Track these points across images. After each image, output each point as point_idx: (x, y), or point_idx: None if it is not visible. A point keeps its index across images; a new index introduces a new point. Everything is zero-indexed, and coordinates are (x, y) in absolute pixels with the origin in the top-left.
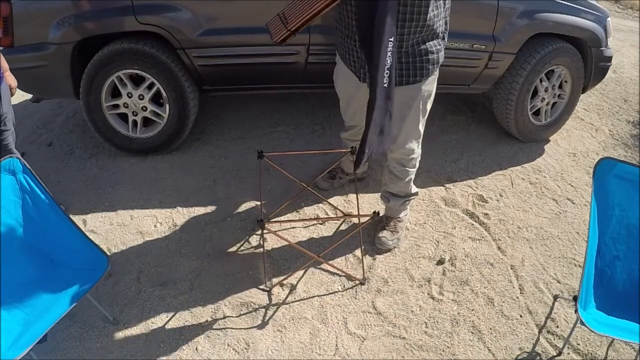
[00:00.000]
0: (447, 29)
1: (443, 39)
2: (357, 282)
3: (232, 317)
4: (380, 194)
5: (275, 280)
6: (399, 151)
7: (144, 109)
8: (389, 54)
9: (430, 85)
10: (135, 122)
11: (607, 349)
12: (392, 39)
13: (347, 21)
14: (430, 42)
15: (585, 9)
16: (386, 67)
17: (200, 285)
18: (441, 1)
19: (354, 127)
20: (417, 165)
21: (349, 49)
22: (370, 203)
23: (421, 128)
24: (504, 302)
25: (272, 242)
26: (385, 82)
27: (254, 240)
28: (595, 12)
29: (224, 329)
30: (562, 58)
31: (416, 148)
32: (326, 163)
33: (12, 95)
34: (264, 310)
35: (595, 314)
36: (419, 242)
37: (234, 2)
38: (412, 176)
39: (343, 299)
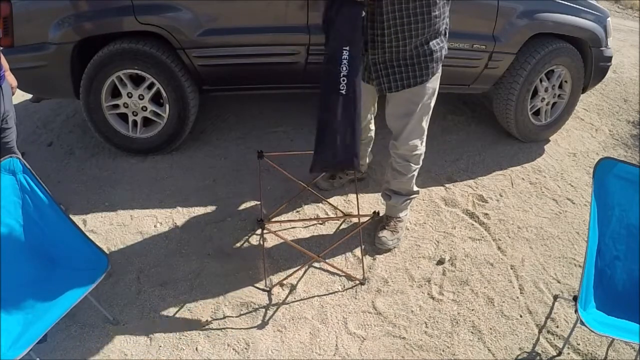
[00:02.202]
0: (448, 25)
1: (445, 35)
2: (357, 282)
3: (232, 317)
4: (380, 193)
5: (275, 280)
6: (402, 147)
7: (144, 109)
8: (344, 61)
9: (434, 83)
10: (135, 122)
11: (607, 349)
12: (347, 48)
13: None
14: (433, 41)
15: (585, 9)
16: (341, 74)
17: (200, 285)
18: (443, 2)
19: None
20: (421, 163)
21: None
22: (370, 203)
23: (424, 125)
24: (504, 302)
25: (272, 242)
26: (342, 89)
27: (254, 240)
28: (595, 12)
29: (224, 329)
30: (562, 58)
31: (419, 144)
32: None
33: (12, 94)
34: (264, 310)
35: (595, 314)
36: (419, 242)
37: (234, 2)
38: (415, 173)
39: (343, 299)
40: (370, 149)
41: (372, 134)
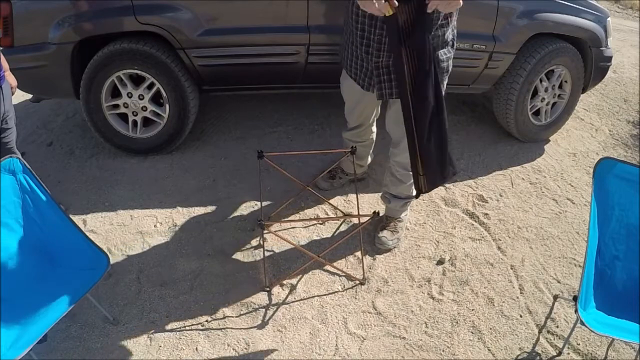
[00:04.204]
0: (455, 36)
1: (452, 46)
2: (357, 282)
3: (232, 317)
4: (380, 194)
5: (275, 280)
6: (403, 155)
7: (144, 109)
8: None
9: None
10: (135, 122)
11: (607, 349)
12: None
13: (353, 29)
14: (441, 51)
15: (585, 9)
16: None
17: (200, 285)
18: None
19: (358, 127)
20: None
21: (352, 56)
22: (370, 203)
23: None
24: (504, 302)
25: (272, 242)
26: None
27: (254, 240)
28: (595, 12)
29: (224, 329)
30: (562, 58)
31: None
32: (326, 163)
33: (12, 94)
34: (264, 310)
35: (595, 314)
36: (419, 242)
37: (234, 2)
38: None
39: (343, 299)
40: (371, 150)
41: (374, 136)
